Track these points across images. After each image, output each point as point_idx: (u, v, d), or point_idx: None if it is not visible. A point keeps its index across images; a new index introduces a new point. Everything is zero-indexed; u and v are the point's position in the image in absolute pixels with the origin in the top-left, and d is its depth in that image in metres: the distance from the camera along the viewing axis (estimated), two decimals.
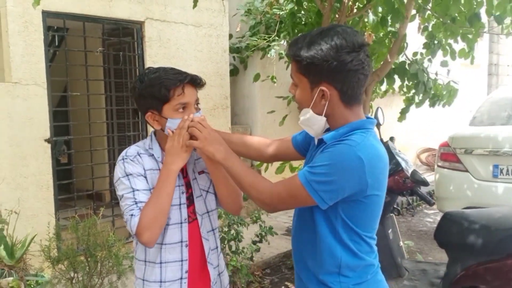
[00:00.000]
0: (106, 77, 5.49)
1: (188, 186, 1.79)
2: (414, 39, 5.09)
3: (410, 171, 3.07)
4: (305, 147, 1.80)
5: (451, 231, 2.93)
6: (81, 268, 2.92)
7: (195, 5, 3.31)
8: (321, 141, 1.56)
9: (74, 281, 2.95)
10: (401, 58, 4.98)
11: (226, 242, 3.81)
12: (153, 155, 1.74)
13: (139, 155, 1.72)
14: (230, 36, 5.74)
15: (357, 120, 1.53)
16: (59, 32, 5.20)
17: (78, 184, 4.62)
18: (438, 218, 3.31)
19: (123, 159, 1.71)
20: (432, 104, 5.27)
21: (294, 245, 1.70)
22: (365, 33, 4.45)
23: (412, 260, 3.72)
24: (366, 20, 4.27)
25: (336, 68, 1.44)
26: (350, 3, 4.05)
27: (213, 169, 1.74)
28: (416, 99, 5.23)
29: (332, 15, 4.08)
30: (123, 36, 4.75)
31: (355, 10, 4.18)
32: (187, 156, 1.68)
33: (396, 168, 3.08)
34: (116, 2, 4.46)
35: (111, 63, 5.29)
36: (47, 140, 4.02)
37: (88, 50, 4.52)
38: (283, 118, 4.99)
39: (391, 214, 3.43)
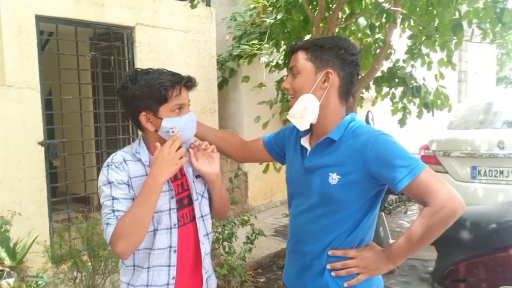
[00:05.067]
0: (94, 81, 5.50)
1: (182, 188, 1.75)
2: (396, 47, 5.29)
3: None
4: (275, 148, 1.90)
5: None
6: (84, 268, 2.96)
7: (193, 6, 3.40)
8: (327, 140, 1.62)
9: (77, 281, 2.98)
10: (388, 64, 5.13)
11: (220, 242, 3.89)
12: (140, 160, 1.69)
13: (125, 162, 1.67)
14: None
15: (345, 115, 1.67)
16: (49, 36, 5.20)
17: (64, 188, 4.62)
18: None
19: (108, 165, 1.65)
20: (429, 111, 5.32)
21: None
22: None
23: None
24: (353, 28, 4.44)
25: (343, 55, 1.61)
26: (340, 12, 4.21)
27: (214, 177, 1.76)
28: (413, 109, 5.33)
29: (322, 24, 4.22)
30: (113, 41, 4.79)
31: (343, 19, 4.34)
32: (176, 169, 1.60)
33: None
34: (108, 7, 4.51)
35: (99, 67, 5.31)
36: (41, 143, 4.03)
37: (79, 54, 4.54)
38: (267, 122, 5.08)
39: (381, 213, 3.59)
